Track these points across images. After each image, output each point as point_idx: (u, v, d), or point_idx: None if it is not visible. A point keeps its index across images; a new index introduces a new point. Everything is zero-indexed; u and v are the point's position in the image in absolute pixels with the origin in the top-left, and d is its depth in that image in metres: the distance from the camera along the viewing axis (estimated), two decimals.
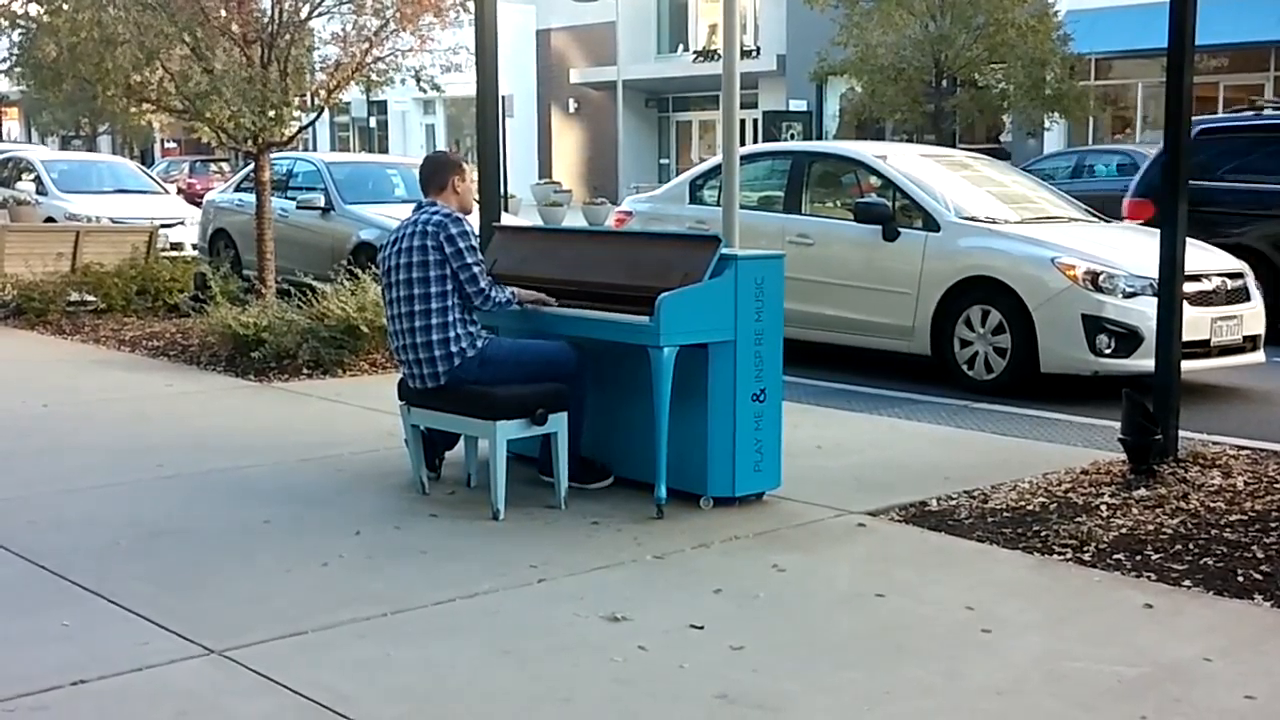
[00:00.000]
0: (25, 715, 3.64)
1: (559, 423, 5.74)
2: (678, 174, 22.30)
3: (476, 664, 4.04)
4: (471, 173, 6.49)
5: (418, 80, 12.04)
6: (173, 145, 49.72)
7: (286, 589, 4.72)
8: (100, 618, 4.42)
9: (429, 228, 5.72)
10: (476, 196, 7.02)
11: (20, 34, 11.86)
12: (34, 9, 11.65)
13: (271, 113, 11.06)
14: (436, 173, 6.04)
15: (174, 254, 14.95)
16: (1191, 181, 6.76)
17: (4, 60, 12.65)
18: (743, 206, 8.16)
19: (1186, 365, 7.06)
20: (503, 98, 14.72)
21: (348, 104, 39.44)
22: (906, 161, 10.29)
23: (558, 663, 4.06)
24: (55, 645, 4.15)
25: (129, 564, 4.99)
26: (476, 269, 5.74)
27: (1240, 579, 4.82)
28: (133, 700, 3.75)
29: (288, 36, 11.39)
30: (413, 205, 6.04)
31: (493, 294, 5.78)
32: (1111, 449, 6.72)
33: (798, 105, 34.39)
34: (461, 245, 5.70)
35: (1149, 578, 4.88)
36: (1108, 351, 8.53)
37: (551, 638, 4.27)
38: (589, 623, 4.39)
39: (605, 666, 4.02)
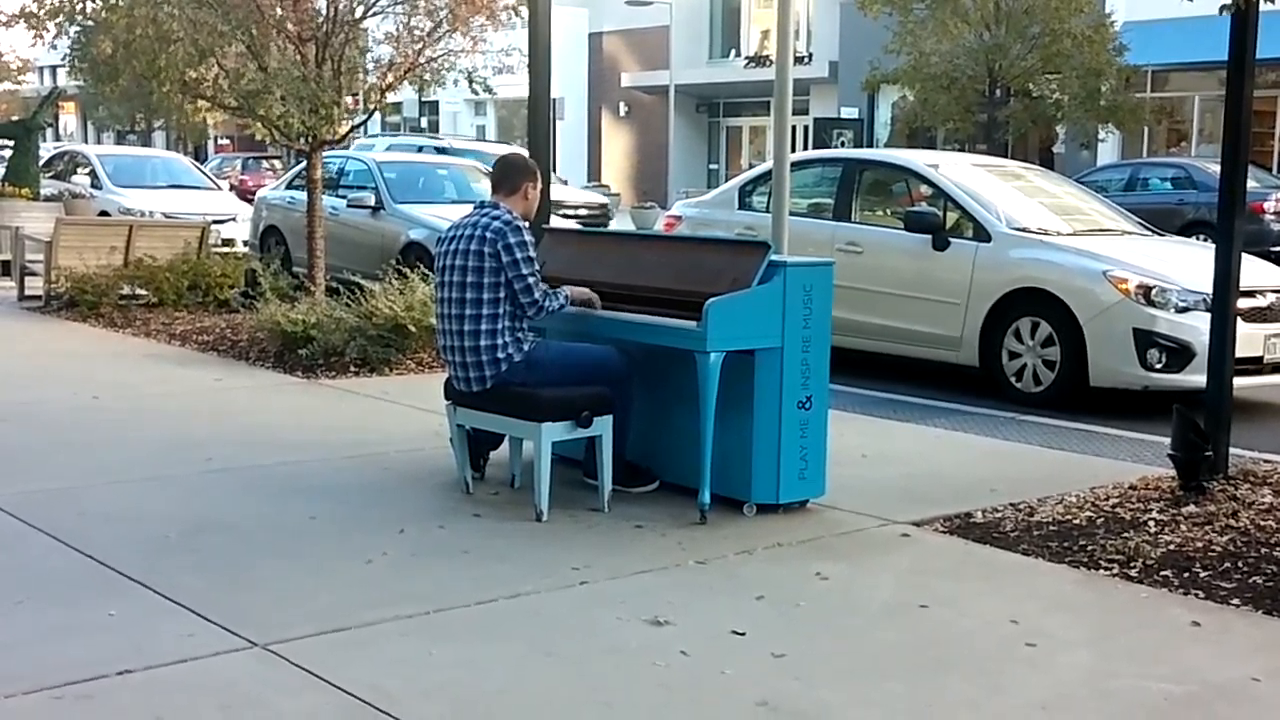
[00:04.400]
0: (71, 703, 3.67)
1: (604, 425, 5.74)
2: (727, 179, 22.28)
3: (518, 664, 4.04)
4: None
5: (470, 81, 12.07)
6: (226, 141, 50.18)
7: (330, 585, 4.74)
8: (146, 609, 4.45)
9: (488, 233, 5.68)
10: None
11: (77, 30, 11.96)
12: (90, 6, 11.75)
13: (322, 111, 11.13)
14: (511, 174, 5.99)
15: (225, 250, 15.05)
16: None
17: (63, 56, 12.77)
18: (792, 213, 8.15)
19: (1239, 382, 6.97)
20: (554, 100, 14.73)
21: (399, 104, 39.70)
22: (958, 171, 10.23)
23: (599, 665, 4.06)
24: (102, 635, 4.19)
25: (176, 557, 5.03)
26: (531, 279, 5.70)
27: None
28: (177, 691, 3.78)
29: (342, 36, 11.45)
30: (458, 206, 5.99)
31: (546, 303, 5.76)
32: (1160, 465, 6.65)
33: (849, 113, 34.30)
34: (519, 255, 5.66)
35: (1197, 595, 4.83)
36: (1159, 366, 8.45)
37: (593, 640, 4.27)
38: (631, 626, 4.39)
39: (647, 670, 4.02)
